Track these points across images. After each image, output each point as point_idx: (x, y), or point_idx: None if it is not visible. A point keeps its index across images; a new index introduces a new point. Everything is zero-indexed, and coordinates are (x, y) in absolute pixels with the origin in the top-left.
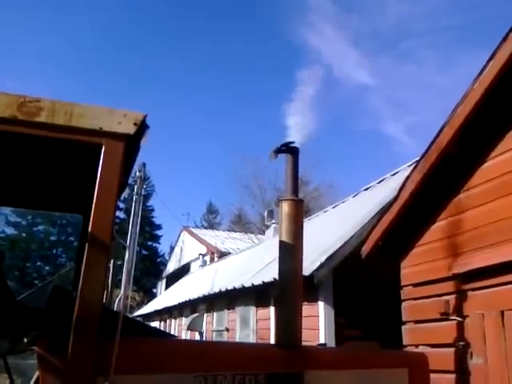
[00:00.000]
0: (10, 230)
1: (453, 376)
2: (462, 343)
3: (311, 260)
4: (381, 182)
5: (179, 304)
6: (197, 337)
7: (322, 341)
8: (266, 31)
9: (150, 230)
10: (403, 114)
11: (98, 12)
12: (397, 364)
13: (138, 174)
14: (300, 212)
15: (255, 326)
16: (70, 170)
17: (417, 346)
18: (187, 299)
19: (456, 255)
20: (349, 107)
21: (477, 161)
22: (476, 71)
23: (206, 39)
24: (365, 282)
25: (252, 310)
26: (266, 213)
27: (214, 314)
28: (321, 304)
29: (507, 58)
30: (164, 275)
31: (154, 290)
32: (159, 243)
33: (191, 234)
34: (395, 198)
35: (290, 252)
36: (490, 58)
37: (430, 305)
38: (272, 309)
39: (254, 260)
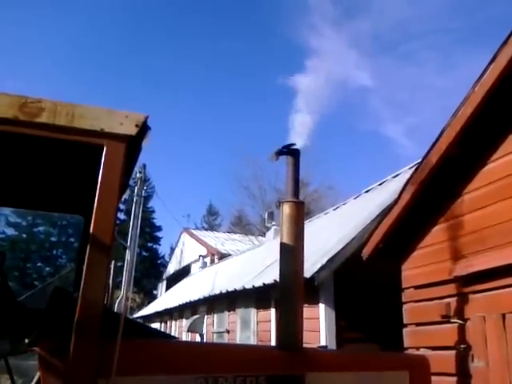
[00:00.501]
0: (11, 231)
1: (454, 379)
2: (463, 346)
3: (312, 262)
4: (382, 184)
5: (179, 306)
6: (197, 338)
7: (322, 343)
8: (266, 32)
9: (150, 231)
10: (403, 116)
11: (98, 11)
12: (398, 366)
13: (138, 175)
14: (301, 214)
15: (256, 328)
16: (71, 171)
17: (418, 348)
18: (187, 301)
19: (457, 258)
20: (349, 108)
21: (478, 163)
22: (477, 73)
23: (206, 39)
24: (366, 284)
25: (252, 312)
26: (266, 215)
27: (215, 315)
28: (322, 306)
29: (508, 61)
30: (164, 277)
31: (155, 292)
32: (159, 245)
33: (191, 235)
34: (396, 201)
35: (291, 254)
36: (491, 61)
37: (431, 307)
38: (273, 311)
39: (254, 262)
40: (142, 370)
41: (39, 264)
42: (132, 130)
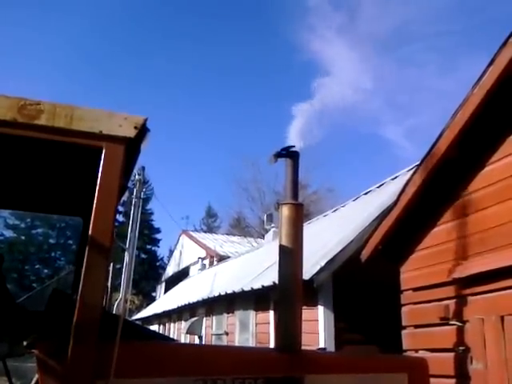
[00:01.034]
0: (9, 233)
1: (453, 381)
2: (461, 348)
3: (311, 264)
4: (381, 186)
5: (178, 308)
6: (196, 340)
7: (321, 345)
8: (266, 32)
9: (149, 233)
10: (404, 118)
11: (97, 12)
12: (396, 368)
13: (137, 177)
14: (300, 216)
15: (254, 330)
16: (70, 173)
17: (416, 350)
18: (186, 303)
19: (456, 260)
20: (349, 110)
21: (477, 165)
22: (477, 75)
23: (206, 40)
24: (365, 286)
25: (251, 314)
26: (265, 217)
27: (213, 317)
28: (320, 308)
29: (507, 63)
30: (163, 279)
31: (153, 294)
32: (158, 247)
33: (190, 237)
34: (395, 203)
35: (290, 256)
36: (490, 63)
37: (429, 309)
38: (271, 313)
39: (253, 264)
40: (140, 373)
41: (38, 266)
42: (131, 132)
